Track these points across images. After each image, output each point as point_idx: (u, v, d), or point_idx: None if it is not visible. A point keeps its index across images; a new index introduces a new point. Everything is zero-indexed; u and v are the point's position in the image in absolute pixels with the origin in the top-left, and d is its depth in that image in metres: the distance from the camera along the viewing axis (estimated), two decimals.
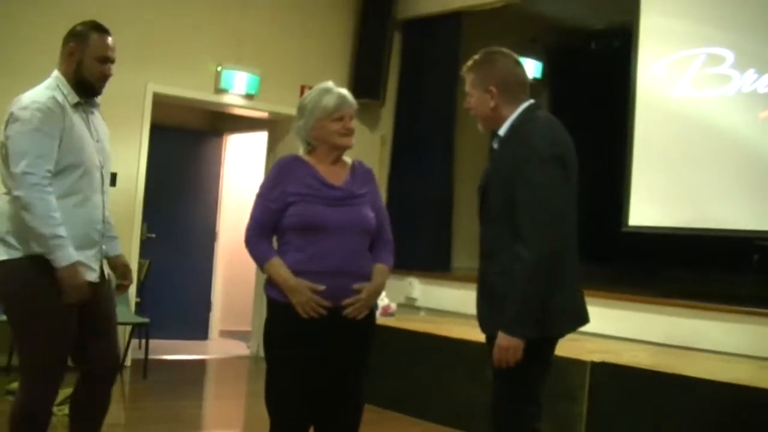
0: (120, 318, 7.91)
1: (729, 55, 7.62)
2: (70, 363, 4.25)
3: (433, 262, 9.65)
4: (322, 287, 3.82)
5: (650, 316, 7.41)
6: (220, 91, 9.14)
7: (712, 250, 8.31)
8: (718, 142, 7.62)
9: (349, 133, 4.01)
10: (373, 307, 4.07)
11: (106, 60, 4.21)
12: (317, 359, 3.89)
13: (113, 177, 7.95)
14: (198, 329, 10.76)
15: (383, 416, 7.09)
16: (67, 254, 3.95)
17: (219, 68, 9.08)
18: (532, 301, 3.65)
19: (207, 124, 11.06)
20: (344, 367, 3.97)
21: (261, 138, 10.57)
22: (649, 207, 8.14)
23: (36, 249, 3.96)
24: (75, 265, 3.98)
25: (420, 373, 7.21)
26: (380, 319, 8.01)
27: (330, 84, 4.08)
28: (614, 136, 8.66)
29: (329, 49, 9.95)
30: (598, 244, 9.93)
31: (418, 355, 7.29)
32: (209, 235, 10.84)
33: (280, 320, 3.96)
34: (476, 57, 3.98)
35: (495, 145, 3.92)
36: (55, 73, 4.19)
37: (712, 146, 7.68)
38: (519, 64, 4.00)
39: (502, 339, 3.66)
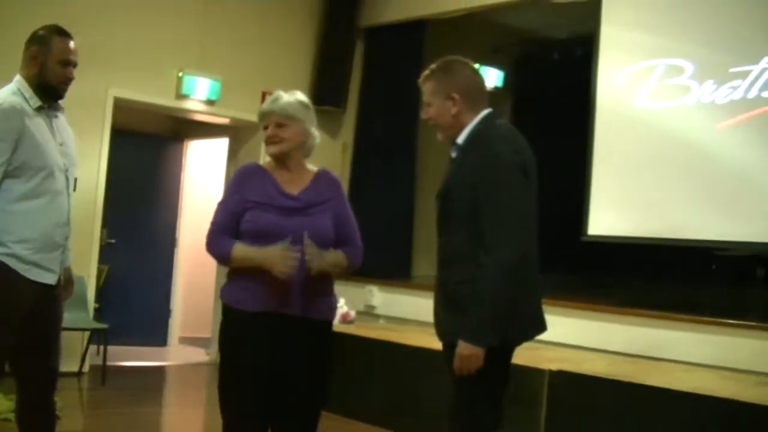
0: (78, 324, 7.94)
1: (688, 67, 7.69)
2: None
3: (393, 270, 9.64)
4: (287, 240, 3.79)
5: (611, 325, 7.44)
6: (181, 96, 9.10)
7: (673, 260, 8.39)
8: (678, 152, 7.68)
9: (269, 140, 3.99)
10: (328, 317, 4.06)
11: (69, 63, 4.20)
12: (267, 363, 3.88)
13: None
14: (157, 336, 10.70)
15: (343, 424, 7.07)
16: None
17: (180, 74, 9.04)
18: (497, 309, 3.65)
19: (168, 130, 11.00)
20: (296, 372, 3.92)
21: (222, 144, 10.55)
22: (609, 216, 8.18)
23: None
24: None
25: (380, 381, 7.21)
26: (340, 327, 8.03)
27: (272, 94, 4.08)
28: (575, 146, 8.70)
29: (291, 56, 9.94)
30: (558, 253, 10.00)
31: (377, 363, 7.29)
32: (169, 241, 10.79)
33: (232, 324, 3.97)
34: (434, 66, 3.97)
35: (453, 154, 3.91)
36: (17, 77, 4.18)
37: (672, 156, 7.74)
38: (478, 73, 4.02)
39: (464, 348, 3.64)
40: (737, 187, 7.32)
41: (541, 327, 4.00)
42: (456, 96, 3.86)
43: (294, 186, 3.98)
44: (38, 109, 4.13)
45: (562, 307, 7.65)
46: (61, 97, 4.25)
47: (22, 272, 4.03)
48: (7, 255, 4.00)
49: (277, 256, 3.78)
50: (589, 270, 9.32)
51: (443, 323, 3.89)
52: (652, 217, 7.84)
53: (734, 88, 7.40)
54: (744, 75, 7.35)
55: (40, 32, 4.22)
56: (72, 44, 4.23)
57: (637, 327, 7.26)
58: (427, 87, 3.94)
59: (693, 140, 7.61)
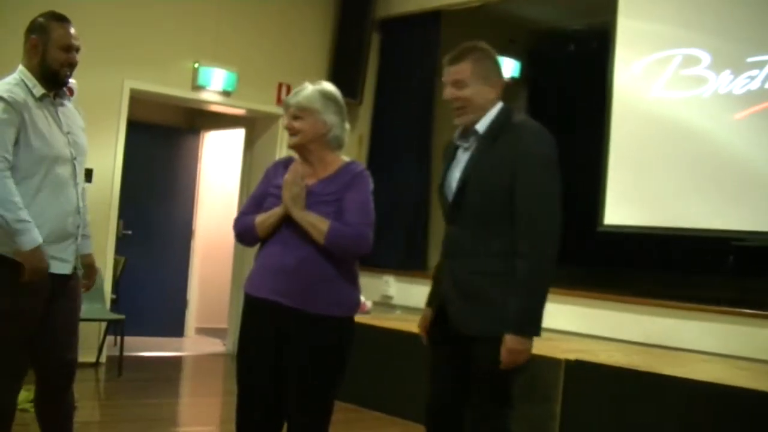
0: (95, 315, 7.96)
1: (705, 57, 7.66)
2: None
3: (409, 261, 9.66)
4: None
5: (627, 315, 7.43)
6: (197, 87, 9.11)
7: (689, 251, 8.36)
8: (694, 143, 7.66)
9: (289, 132, 3.99)
10: (332, 312, 3.89)
11: (70, 48, 4.19)
12: (265, 353, 3.89)
13: (89, 173, 7.91)
14: (174, 326, 10.73)
15: (361, 415, 7.09)
16: (31, 238, 3.94)
17: (196, 65, 9.05)
18: (542, 302, 3.66)
19: (184, 121, 11.03)
20: (295, 366, 3.88)
21: (238, 135, 10.55)
22: (624, 207, 8.16)
23: None
24: (39, 248, 3.97)
25: (397, 372, 7.21)
26: (356, 317, 8.04)
27: (304, 83, 4.07)
28: (591, 137, 8.68)
29: (307, 47, 9.93)
30: (575, 245, 9.99)
31: (394, 353, 7.30)
32: (186, 232, 10.81)
33: (243, 307, 4.02)
34: (468, 47, 3.89)
35: (465, 143, 3.88)
36: (20, 67, 4.17)
37: (688, 147, 7.71)
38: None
39: (515, 342, 3.62)
40: (755, 177, 7.29)
41: None
42: (497, 81, 3.85)
43: (314, 178, 3.94)
44: (42, 98, 4.13)
45: (579, 298, 7.65)
46: (65, 83, 4.23)
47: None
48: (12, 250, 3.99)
49: (286, 186, 3.85)
50: (606, 261, 9.31)
51: (463, 315, 3.84)
52: (668, 207, 7.82)
53: (751, 78, 7.37)
54: (761, 65, 7.32)
55: (39, 20, 4.19)
56: (72, 29, 4.20)
57: (654, 317, 7.25)
58: (463, 67, 3.84)
59: (710, 131, 7.59)
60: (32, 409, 6.08)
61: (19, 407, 6.16)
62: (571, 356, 6.22)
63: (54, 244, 4.08)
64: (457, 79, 3.84)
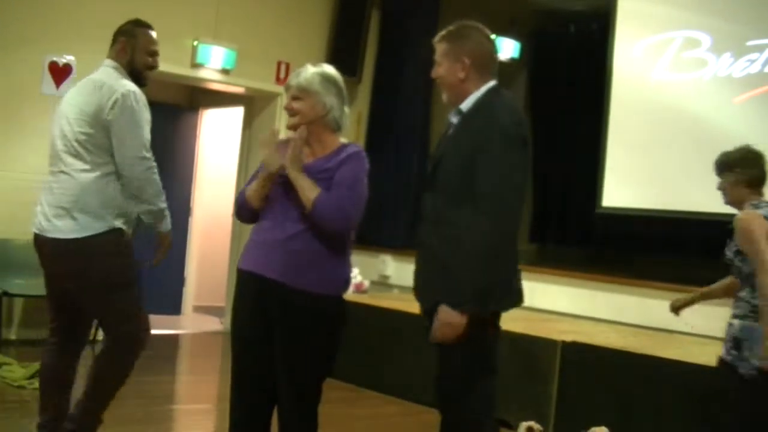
0: None
1: (706, 39, 7.65)
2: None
3: (407, 240, 9.65)
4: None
5: (624, 297, 7.45)
6: (196, 65, 9.09)
7: (688, 234, 8.35)
8: (694, 125, 7.66)
9: (289, 113, 4.00)
10: (317, 289, 3.89)
11: (154, 53, 4.77)
12: (252, 327, 3.94)
13: None
14: (171, 304, 10.71)
15: (358, 394, 7.10)
16: (169, 221, 4.67)
17: (195, 43, 9.03)
18: (486, 278, 3.59)
19: (183, 99, 10.99)
20: (280, 344, 3.89)
21: (237, 113, 10.53)
22: (623, 189, 8.17)
23: (117, 223, 4.49)
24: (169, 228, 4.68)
25: (394, 351, 7.23)
26: (353, 296, 8.05)
27: (306, 65, 4.09)
28: (591, 118, 8.68)
29: (307, 25, 9.91)
30: (573, 226, 10.01)
31: (391, 332, 7.31)
32: (184, 210, 10.77)
33: (236, 288, 4.08)
34: (451, 28, 3.96)
35: (454, 119, 3.91)
36: (114, 64, 4.67)
37: (688, 129, 7.71)
38: (492, 41, 4.00)
39: (445, 314, 3.61)
40: None
41: (521, 298, 3.91)
42: (466, 61, 3.86)
43: (311, 157, 3.96)
44: None
45: (576, 279, 7.67)
46: (145, 84, 4.73)
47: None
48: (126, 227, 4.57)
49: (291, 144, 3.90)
50: (604, 243, 9.32)
51: (424, 288, 3.91)
52: (666, 190, 7.82)
53: (751, 62, 7.37)
54: (762, 48, 7.32)
55: (127, 25, 4.77)
56: (154, 35, 4.81)
57: (651, 299, 7.26)
58: (440, 47, 3.93)
59: (709, 113, 7.59)
60: (30, 386, 6.13)
61: (16, 384, 6.22)
62: (568, 338, 6.23)
63: (131, 226, 4.64)
64: (435, 58, 3.94)
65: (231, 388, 4.03)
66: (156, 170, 4.55)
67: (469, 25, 3.97)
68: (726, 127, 7.45)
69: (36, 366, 6.29)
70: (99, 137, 4.41)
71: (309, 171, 3.89)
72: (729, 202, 4.87)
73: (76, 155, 4.42)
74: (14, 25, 7.96)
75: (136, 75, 4.65)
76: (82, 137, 4.42)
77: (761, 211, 4.59)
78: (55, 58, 8.17)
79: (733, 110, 7.44)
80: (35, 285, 7.96)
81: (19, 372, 6.51)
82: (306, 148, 3.97)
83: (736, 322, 4.64)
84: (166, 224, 4.66)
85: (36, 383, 6.15)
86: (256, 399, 3.99)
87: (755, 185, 4.74)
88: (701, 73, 7.66)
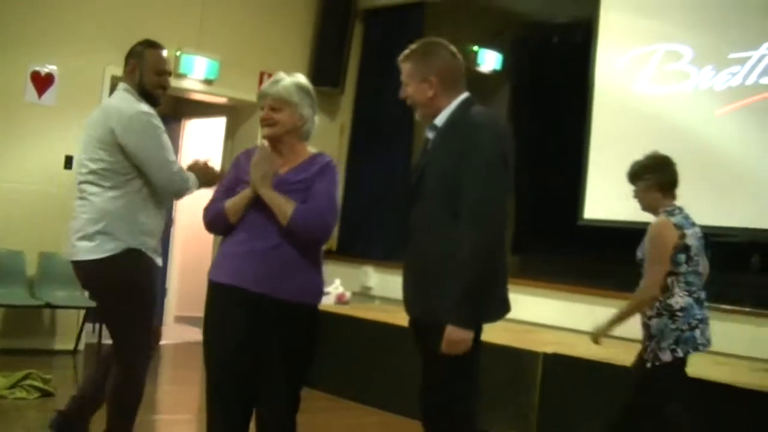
0: (74, 302, 7.96)
1: (687, 52, 7.68)
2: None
3: (389, 252, 9.65)
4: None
5: (606, 309, 7.41)
6: (179, 75, 9.08)
7: None
8: (676, 137, 7.67)
9: (263, 122, 4.02)
10: (297, 298, 3.95)
11: (163, 72, 4.81)
12: (228, 340, 3.94)
13: (69, 160, 7.91)
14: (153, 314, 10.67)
15: (339, 405, 7.09)
16: (193, 180, 4.78)
17: (178, 53, 9.02)
18: (480, 290, 3.65)
19: (166, 109, 10.91)
20: (260, 354, 3.92)
21: (220, 124, 10.52)
22: (605, 200, 8.18)
23: (134, 244, 4.60)
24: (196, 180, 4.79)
25: (375, 362, 7.22)
26: (335, 308, 8.04)
27: (279, 74, 4.10)
28: (573, 130, 8.70)
29: (290, 36, 9.92)
30: (554, 236, 10.02)
31: (372, 344, 7.30)
32: (165, 220, 10.75)
33: (207, 295, 4.14)
34: (414, 47, 4.02)
35: (430, 135, 3.94)
36: (125, 86, 4.74)
37: (670, 142, 7.70)
38: (456, 56, 4.02)
39: (452, 332, 3.64)
40: (735, 173, 7.33)
41: (508, 308, 3.96)
42: (433, 79, 3.89)
43: (285, 167, 4.00)
44: None
45: (558, 290, 7.67)
46: (158, 104, 4.80)
47: (155, 259, 4.73)
48: (146, 247, 4.66)
49: (255, 166, 3.92)
50: (585, 254, 9.32)
51: (415, 300, 3.95)
52: None
53: (733, 74, 7.40)
54: (743, 61, 7.35)
55: (137, 47, 4.85)
56: (165, 54, 4.90)
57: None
58: (405, 67, 3.99)
59: (691, 126, 7.61)
60: (11, 396, 6.11)
61: None
62: (549, 349, 6.24)
63: (153, 238, 4.72)
64: (402, 79, 4.01)
65: (208, 400, 4.05)
66: (183, 171, 4.73)
67: (431, 41, 4.05)
68: (708, 139, 7.48)
69: (17, 375, 6.27)
70: (112, 161, 4.54)
71: (285, 182, 3.94)
72: (644, 208, 5.21)
73: (92, 182, 4.58)
74: None
75: (148, 95, 4.73)
76: (96, 163, 4.56)
77: (674, 219, 4.94)
78: (37, 68, 8.15)
79: (715, 123, 7.47)
80: (17, 294, 7.98)
81: (0, 382, 6.48)
82: (278, 158, 4.00)
83: (653, 321, 5.01)
84: (194, 184, 4.82)
85: (17, 393, 6.15)
86: (236, 411, 4.01)
87: (667, 189, 5.08)
88: (683, 86, 7.69)
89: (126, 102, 4.63)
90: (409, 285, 4.00)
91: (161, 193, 4.70)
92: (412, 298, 3.98)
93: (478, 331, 3.81)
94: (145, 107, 4.62)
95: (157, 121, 4.61)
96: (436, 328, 3.69)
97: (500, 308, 3.91)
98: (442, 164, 3.78)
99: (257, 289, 3.87)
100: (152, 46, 4.85)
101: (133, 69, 4.76)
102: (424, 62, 3.93)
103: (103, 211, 4.54)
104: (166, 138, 4.64)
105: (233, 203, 3.97)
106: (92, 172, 4.56)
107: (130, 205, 4.59)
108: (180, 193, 4.76)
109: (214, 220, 4.04)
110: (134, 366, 4.68)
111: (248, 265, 3.90)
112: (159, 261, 4.79)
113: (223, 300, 3.99)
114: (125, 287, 4.62)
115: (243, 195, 3.95)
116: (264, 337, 3.90)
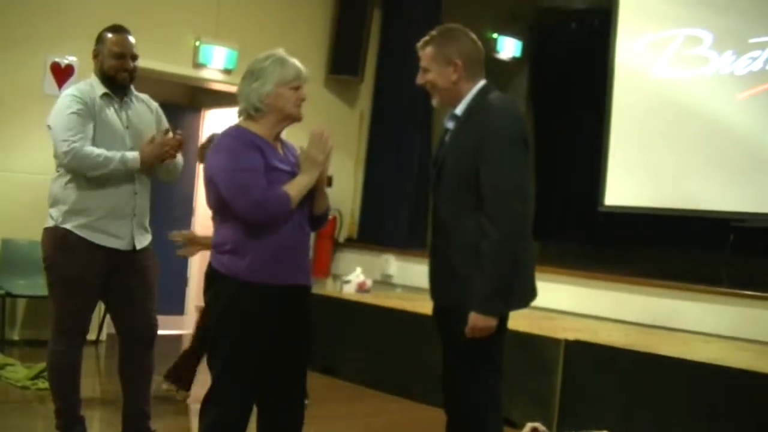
0: None
1: (707, 37, 7.64)
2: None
3: (409, 240, 9.65)
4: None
5: (627, 295, 7.44)
6: (198, 65, 9.10)
7: (690, 230, 8.36)
8: (696, 122, 7.65)
9: (302, 103, 3.96)
10: (309, 288, 3.99)
11: (122, 56, 4.80)
12: (278, 335, 3.83)
13: None
14: (174, 304, 10.71)
15: (360, 392, 7.09)
16: (132, 157, 4.70)
17: (197, 43, 9.03)
18: (505, 279, 3.68)
19: (185, 99, 10.99)
20: (296, 340, 3.91)
21: None
22: (625, 186, 8.16)
23: (63, 221, 4.65)
24: (137, 157, 4.73)
25: (396, 350, 7.22)
26: (356, 296, 8.05)
27: (282, 51, 4.07)
28: (592, 116, 8.67)
29: (309, 24, 9.90)
30: (575, 223, 10.00)
31: (393, 332, 7.30)
32: (186, 209, 10.78)
33: (253, 299, 3.76)
34: (434, 32, 4.00)
35: (450, 124, 3.94)
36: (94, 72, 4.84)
37: (690, 127, 7.71)
38: (477, 42, 4.02)
39: (476, 319, 3.67)
40: (755, 158, 7.29)
41: (535, 294, 3.99)
42: (458, 62, 3.87)
43: (280, 152, 3.95)
44: (104, 97, 4.76)
45: (578, 277, 7.65)
46: (124, 86, 4.85)
47: (89, 239, 4.64)
48: (78, 226, 4.64)
49: (314, 146, 3.87)
50: (606, 240, 9.31)
51: (439, 286, 3.96)
52: (668, 187, 7.81)
53: (753, 59, 7.36)
54: (764, 45, 7.31)
55: (100, 32, 4.86)
56: (128, 38, 4.86)
57: (653, 297, 7.26)
58: (426, 52, 3.97)
59: (711, 111, 7.58)
60: (33, 387, 6.13)
61: (19, 385, 6.23)
62: (571, 336, 6.23)
63: (110, 221, 4.70)
64: (422, 64, 3.98)
65: (232, 393, 3.87)
66: (81, 148, 4.58)
67: (453, 27, 4.03)
68: (729, 124, 7.45)
69: (39, 366, 6.30)
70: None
71: (294, 164, 3.93)
72: None
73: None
74: (17, 25, 7.97)
75: (110, 80, 4.80)
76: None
77: None
78: (57, 59, 8.16)
79: (736, 107, 7.44)
80: (38, 285, 8.00)
81: (22, 372, 6.51)
82: (277, 144, 3.96)
83: None
84: (132, 162, 4.73)
85: (39, 384, 6.18)
86: (249, 411, 3.96)
87: None
88: (703, 71, 7.65)
89: (74, 87, 4.80)
90: (434, 272, 3.99)
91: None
92: (436, 285, 3.98)
93: (503, 318, 3.83)
94: (73, 90, 4.72)
95: (74, 103, 4.63)
96: (461, 315, 3.71)
97: (527, 294, 3.94)
98: (462, 156, 3.79)
99: (308, 282, 3.93)
100: (112, 30, 4.87)
101: (96, 55, 4.85)
102: (448, 46, 3.92)
103: (50, 192, 4.75)
104: (73, 118, 4.61)
105: (299, 192, 3.78)
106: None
107: (65, 185, 4.68)
108: (74, 171, 4.64)
109: (282, 212, 3.75)
110: (53, 348, 4.76)
111: (300, 259, 3.89)
112: (109, 241, 4.73)
113: (281, 301, 3.80)
114: (45, 265, 4.78)
115: (304, 183, 3.81)
116: (303, 326, 3.93)
